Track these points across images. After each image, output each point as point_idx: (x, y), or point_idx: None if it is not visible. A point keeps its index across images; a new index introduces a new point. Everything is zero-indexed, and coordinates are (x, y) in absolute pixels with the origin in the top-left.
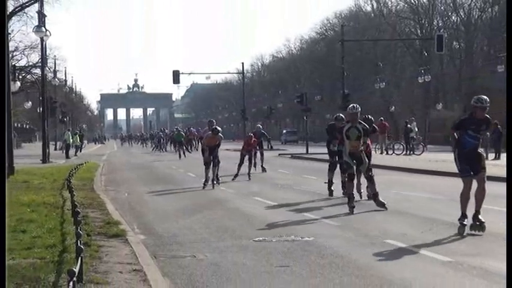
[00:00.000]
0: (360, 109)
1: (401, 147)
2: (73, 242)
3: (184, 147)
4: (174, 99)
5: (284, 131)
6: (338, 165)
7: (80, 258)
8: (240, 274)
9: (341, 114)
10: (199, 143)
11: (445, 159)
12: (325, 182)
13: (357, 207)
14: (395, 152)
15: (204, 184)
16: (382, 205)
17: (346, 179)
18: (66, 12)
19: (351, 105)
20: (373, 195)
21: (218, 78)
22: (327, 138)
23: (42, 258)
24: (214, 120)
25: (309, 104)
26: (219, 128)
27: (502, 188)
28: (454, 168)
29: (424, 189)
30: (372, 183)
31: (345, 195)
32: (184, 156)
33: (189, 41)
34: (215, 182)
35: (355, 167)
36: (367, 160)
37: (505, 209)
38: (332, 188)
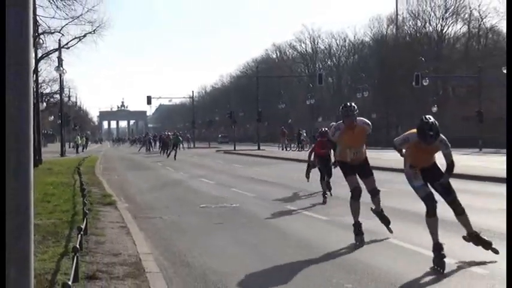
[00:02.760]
0: None
1: (295, 145)
2: (81, 208)
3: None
4: (147, 114)
5: (220, 135)
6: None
7: (85, 219)
8: (190, 228)
9: None
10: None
11: None
12: None
13: (256, 184)
14: (292, 149)
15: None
16: None
17: None
18: (77, 58)
19: None
20: None
21: (177, 101)
22: None
23: (60, 219)
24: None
25: (236, 117)
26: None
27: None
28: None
29: (311, 172)
30: None
31: None
32: (168, 156)
33: (158, 76)
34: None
35: None
36: None
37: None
38: None
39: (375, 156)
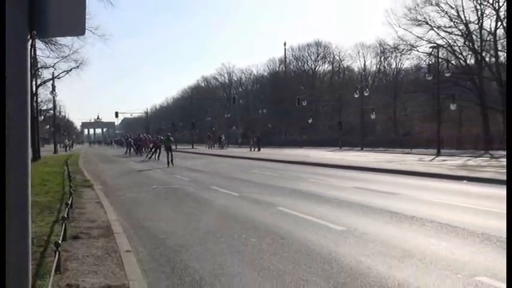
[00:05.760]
0: None
1: (217, 146)
2: (68, 189)
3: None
4: (116, 124)
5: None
6: None
7: (71, 197)
8: (145, 202)
9: None
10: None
11: (234, 150)
12: None
13: (191, 172)
14: (215, 148)
15: None
16: None
17: None
18: (63, 85)
19: None
20: None
21: (136, 115)
22: None
23: (53, 197)
24: None
25: (177, 126)
26: None
27: (262, 162)
28: (240, 153)
29: (228, 164)
30: None
31: None
32: (152, 158)
33: (123, 97)
34: None
35: None
36: None
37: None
38: None
39: (276, 153)
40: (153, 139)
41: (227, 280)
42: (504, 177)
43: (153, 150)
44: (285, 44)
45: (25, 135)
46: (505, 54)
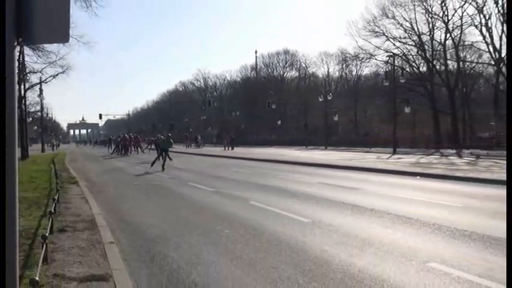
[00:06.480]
0: None
1: (194, 145)
2: (55, 186)
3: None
4: (100, 125)
5: (146, 139)
6: None
7: (58, 193)
8: (128, 197)
9: None
10: (140, 147)
11: (209, 149)
12: None
13: (170, 169)
14: (193, 147)
15: None
16: None
17: None
18: (50, 89)
19: None
20: None
21: (118, 117)
22: None
23: (41, 193)
24: None
25: (156, 127)
26: None
27: (231, 160)
28: (215, 152)
29: (204, 162)
30: None
31: None
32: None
33: (106, 100)
34: None
35: None
36: None
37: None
38: None
39: (248, 151)
40: (154, 138)
41: (203, 268)
42: (452, 173)
43: (156, 149)
44: (256, 52)
45: (13, 136)
46: (455, 63)
